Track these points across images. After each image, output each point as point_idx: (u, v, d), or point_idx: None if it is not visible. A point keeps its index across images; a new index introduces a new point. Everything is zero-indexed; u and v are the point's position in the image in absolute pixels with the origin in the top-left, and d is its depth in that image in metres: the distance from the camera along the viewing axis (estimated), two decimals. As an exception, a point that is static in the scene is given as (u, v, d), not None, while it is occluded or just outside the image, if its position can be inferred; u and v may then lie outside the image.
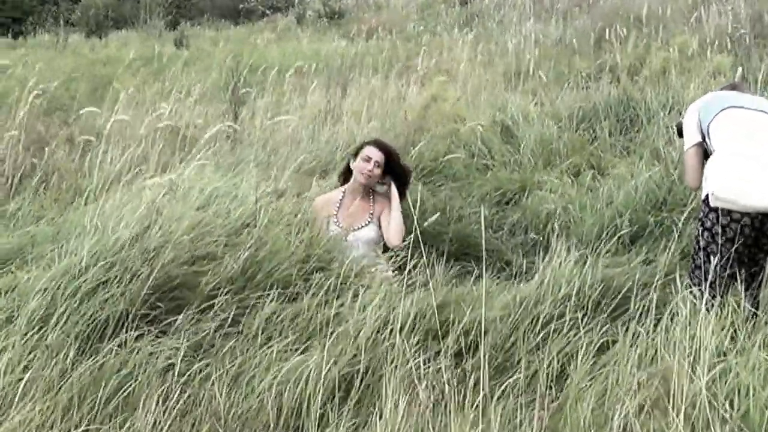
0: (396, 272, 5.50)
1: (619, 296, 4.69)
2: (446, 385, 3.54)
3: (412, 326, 4.15)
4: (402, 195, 5.87)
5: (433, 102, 8.35)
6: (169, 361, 3.70)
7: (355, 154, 5.96)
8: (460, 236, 6.12)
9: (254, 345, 3.90)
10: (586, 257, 4.94)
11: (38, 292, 4.11)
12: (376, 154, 5.85)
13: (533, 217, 6.50)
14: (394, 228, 5.67)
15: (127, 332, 3.87)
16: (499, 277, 5.45)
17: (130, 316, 4.05)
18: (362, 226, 5.79)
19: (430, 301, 4.35)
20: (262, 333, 4.01)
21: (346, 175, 6.01)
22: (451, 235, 6.12)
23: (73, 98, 10.53)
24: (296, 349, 3.85)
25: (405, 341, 3.92)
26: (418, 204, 6.20)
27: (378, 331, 4.05)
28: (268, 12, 28.54)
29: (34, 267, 4.63)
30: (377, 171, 5.84)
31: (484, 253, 5.90)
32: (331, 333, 3.91)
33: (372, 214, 5.84)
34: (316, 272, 4.60)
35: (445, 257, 5.41)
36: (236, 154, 7.59)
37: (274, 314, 4.13)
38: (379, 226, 5.82)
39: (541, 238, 6.04)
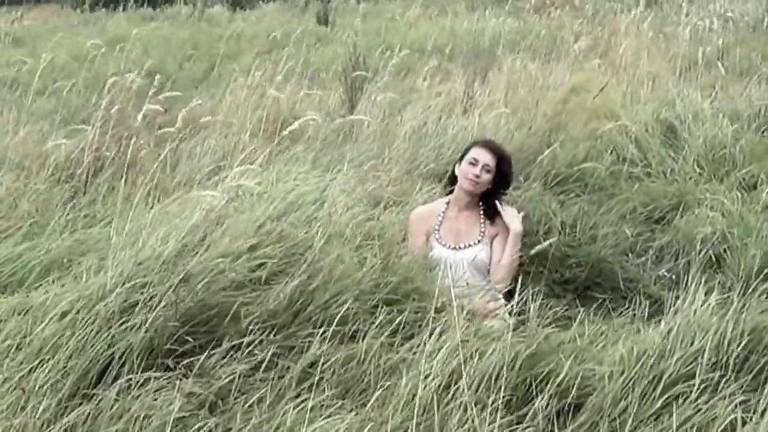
0: (507, 304, 5.11)
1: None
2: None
3: (492, 381, 3.73)
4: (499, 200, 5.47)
5: (575, 93, 7.83)
6: (180, 414, 3.40)
7: (462, 157, 5.55)
8: (592, 261, 5.65)
9: (287, 396, 3.56)
10: (733, 300, 4.39)
11: (55, 316, 3.91)
12: (485, 157, 5.42)
13: (686, 242, 5.91)
14: (505, 266, 5.30)
15: (140, 373, 3.61)
16: (634, 316, 4.91)
17: (153, 352, 3.80)
18: (470, 245, 5.39)
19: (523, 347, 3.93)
20: (301, 381, 3.67)
21: (453, 182, 5.61)
22: (579, 259, 5.68)
23: (182, 79, 10.53)
24: (332, 405, 3.48)
25: (476, 402, 3.51)
26: (543, 220, 5.82)
27: (446, 386, 3.65)
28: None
29: (68, 282, 4.44)
30: (486, 176, 5.41)
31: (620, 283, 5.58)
32: (381, 387, 3.53)
33: (483, 232, 5.42)
34: (386, 305, 4.23)
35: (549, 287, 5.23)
36: (342, 150, 7.31)
37: (320, 358, 3.78)
38: (491, 248, 5.40)
39: (672, 276, 5.45)
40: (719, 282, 4.80)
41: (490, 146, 5.54)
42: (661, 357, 3.99)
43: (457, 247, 5.37)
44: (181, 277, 3.96)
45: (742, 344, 4.12)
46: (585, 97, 7.86)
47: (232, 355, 3.82)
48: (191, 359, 3.77)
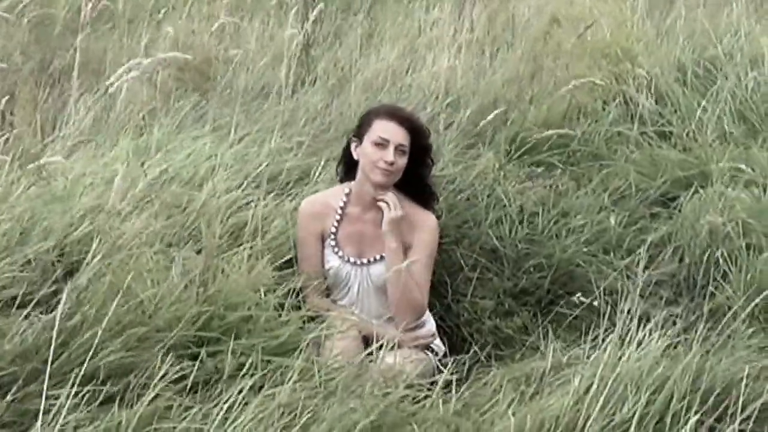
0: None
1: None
2: None
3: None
4: (429, 202, 4.75)
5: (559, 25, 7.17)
6: None
7: (359, 132, 4.72)
8: (558, 263, 5.15)
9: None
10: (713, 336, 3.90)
11: None
12: (396, 134, 4.57)
13: (692, 235, 5.29)
14: (404, 291, 4.52)
15: None
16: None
17: None
18: (377, 259, 4.64)
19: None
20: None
21: (350, 165, 4.81)
22: (541, 260, 5.16)
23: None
24: None
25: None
26: (492, 208, 5.30)
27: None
28: None
29: None
30: (402, 161, 4.59)
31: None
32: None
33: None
34: (197, 346, 3.59)
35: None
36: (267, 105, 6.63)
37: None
38: None
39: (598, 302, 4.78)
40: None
41: (399, 116, 4.69)
42: (572, 429, 3.42)
43: (360, 261, 4.65)
44: None
45: (709, 404, 3.52)
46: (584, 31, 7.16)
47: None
48: None
